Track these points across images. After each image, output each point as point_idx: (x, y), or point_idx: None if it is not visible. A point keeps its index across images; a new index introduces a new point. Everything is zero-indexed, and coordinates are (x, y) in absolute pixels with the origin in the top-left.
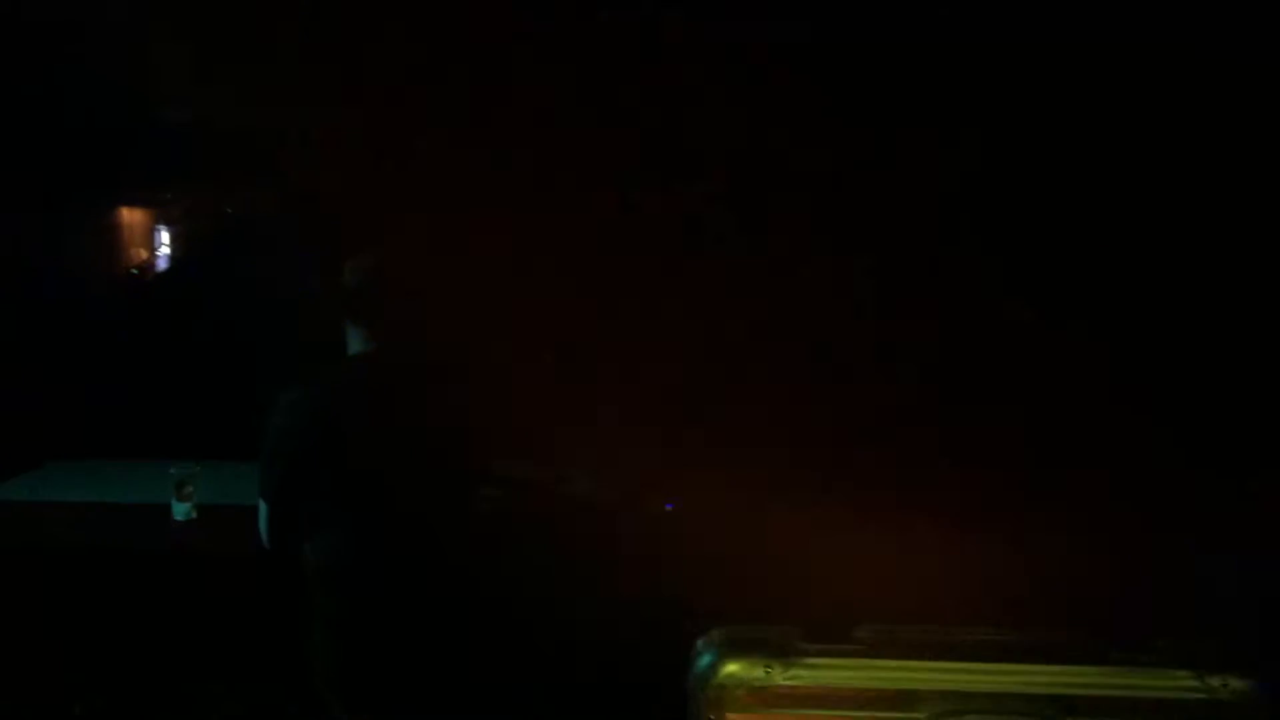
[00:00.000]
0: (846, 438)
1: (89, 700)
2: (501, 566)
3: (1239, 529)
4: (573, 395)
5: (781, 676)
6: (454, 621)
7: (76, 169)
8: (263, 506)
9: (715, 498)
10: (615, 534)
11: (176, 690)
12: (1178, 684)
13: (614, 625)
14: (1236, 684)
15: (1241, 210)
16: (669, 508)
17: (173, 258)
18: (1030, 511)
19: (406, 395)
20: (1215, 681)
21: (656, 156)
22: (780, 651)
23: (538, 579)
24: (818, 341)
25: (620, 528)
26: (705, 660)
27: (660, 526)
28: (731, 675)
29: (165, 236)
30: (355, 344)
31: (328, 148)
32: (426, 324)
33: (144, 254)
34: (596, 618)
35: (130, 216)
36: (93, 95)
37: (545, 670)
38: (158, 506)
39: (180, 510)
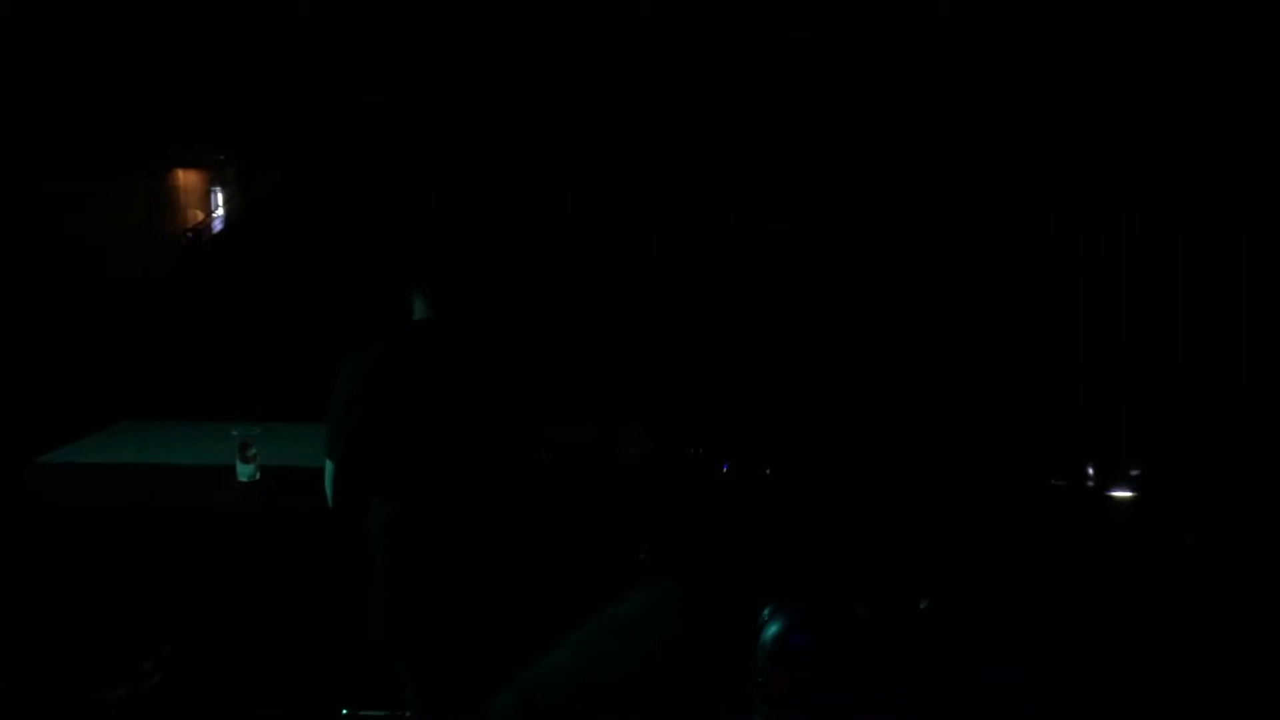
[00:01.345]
0: None
1: (159, 656)
2: (554, 530)
3: None
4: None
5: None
6: (506, 582)
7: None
8: (329, 466)
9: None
10: (666, 497)
11: (241, 646)
12: None
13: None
14: None
15: None
16: (724, 469)
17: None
18: None
19: (466, 361)
20: None
21: None
22: (843, 621)
23: (587, 542)
24: None
25: (670, 491)
26: (773, 629)
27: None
28: (796, 644)
29: (220, 198)
30: (420, 310)
31: None
32: (488, 292)
33: (200, 215)
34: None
35: (185, 178)
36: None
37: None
38: (224, 467)
39: (245, 472)
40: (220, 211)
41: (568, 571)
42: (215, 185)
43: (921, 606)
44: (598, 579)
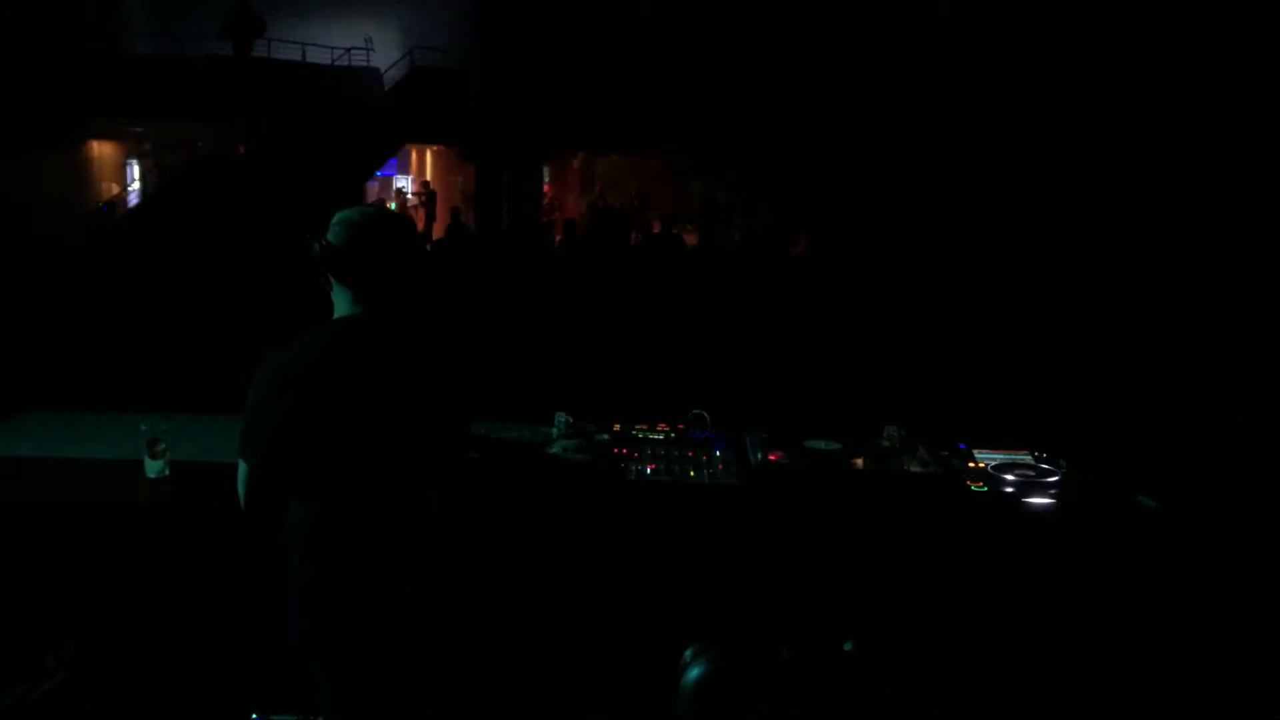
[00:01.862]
0: None
1: (61, 654)
2: (481, 532)
3: None
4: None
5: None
6: (427, 585)
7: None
8: (242, 467)
9: None
10: (603, 501)
11: (149, 646)
12: None
13: (595, 599)
14: None
15: None
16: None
17: (148, 195)
18: None
19: (390, 360)
20: None
21: None
22: (766, 664)
23: (517, 546)
24: None
25: (606, 493)
26: (694, 672)
27: (645, 492)
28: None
29: (136, 171)
30: (342, 305)
31: None
32: (415, 286)
33: (115, 189)
34: (577, 591)
35: (100, 150)
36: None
37: (519, 642)
38: (132, 463)
39: (153, 468)
40: (136, 185)
41: (494, 574)
42: (131, 158)
43: (846, 649)
44: (525, 582)
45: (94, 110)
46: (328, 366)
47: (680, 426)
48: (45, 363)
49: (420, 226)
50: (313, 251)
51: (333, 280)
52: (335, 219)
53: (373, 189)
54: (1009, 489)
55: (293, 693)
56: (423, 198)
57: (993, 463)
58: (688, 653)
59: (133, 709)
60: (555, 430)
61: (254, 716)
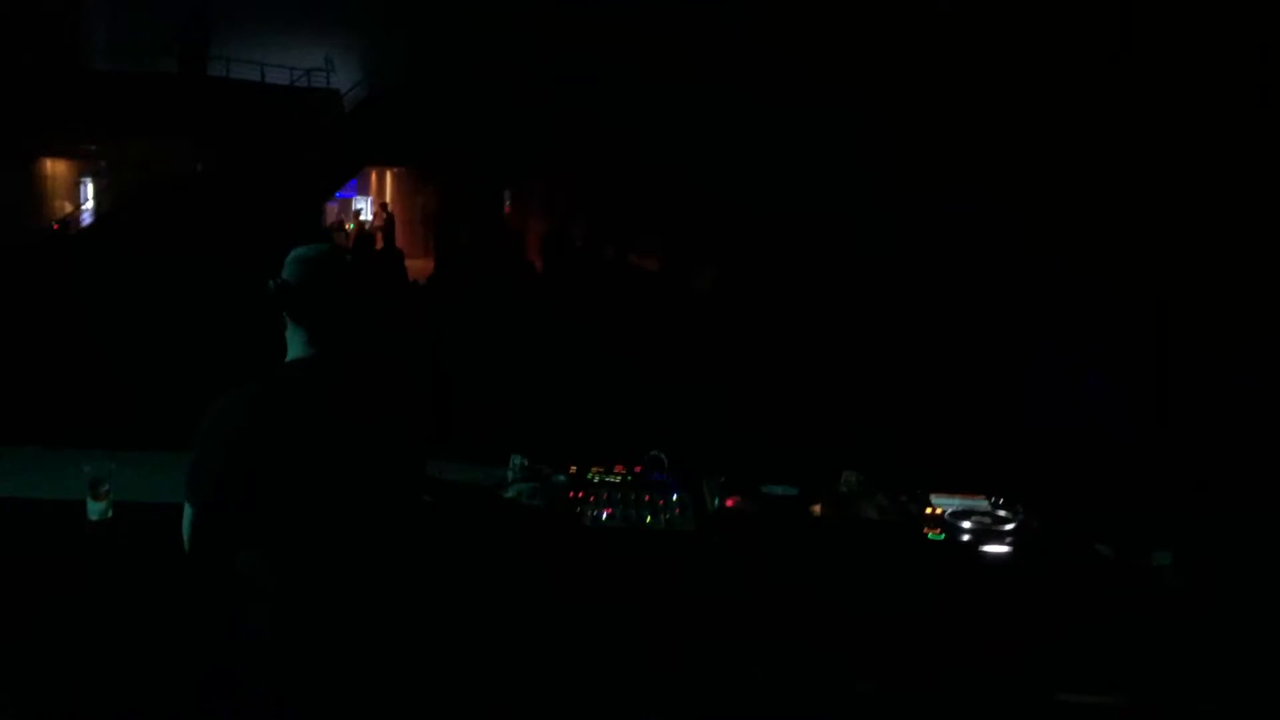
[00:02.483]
0: None
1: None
2: (437, 578)
3: None
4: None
5: None
6: (387, 635)
7: None
8: (188, 510)
9: None
10: (562, 544)
11: (95, 695)
12: None
13: (559, 642)
14: None
15: None
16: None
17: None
18: None
19: (347, 405)
20: None
21: None
22: None
23: (475, 590)
24: None
25: (566, 537)
26: None
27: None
28: None
29: (90, 190)
30: (296, 346)
31: None
32: (372, 328)
33: (68, 207)
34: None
35: (53, 168)
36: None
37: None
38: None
39: (95, 510)
40: (90, 204)
41: (451, 623)
42: (85, 177)
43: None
44: (484, 630)
45: (48, 126)
46: (277, 412)
47: (638, 469)
48: None
49: (379, 245)
50: (267, 290)
51: (287, 320)
52: (291, 256)
53: (332, 209)
54: (966, 536)
55: None
56: (381, 220)
57: (950, 509)
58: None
59: None
60: (510, 473)
61: None
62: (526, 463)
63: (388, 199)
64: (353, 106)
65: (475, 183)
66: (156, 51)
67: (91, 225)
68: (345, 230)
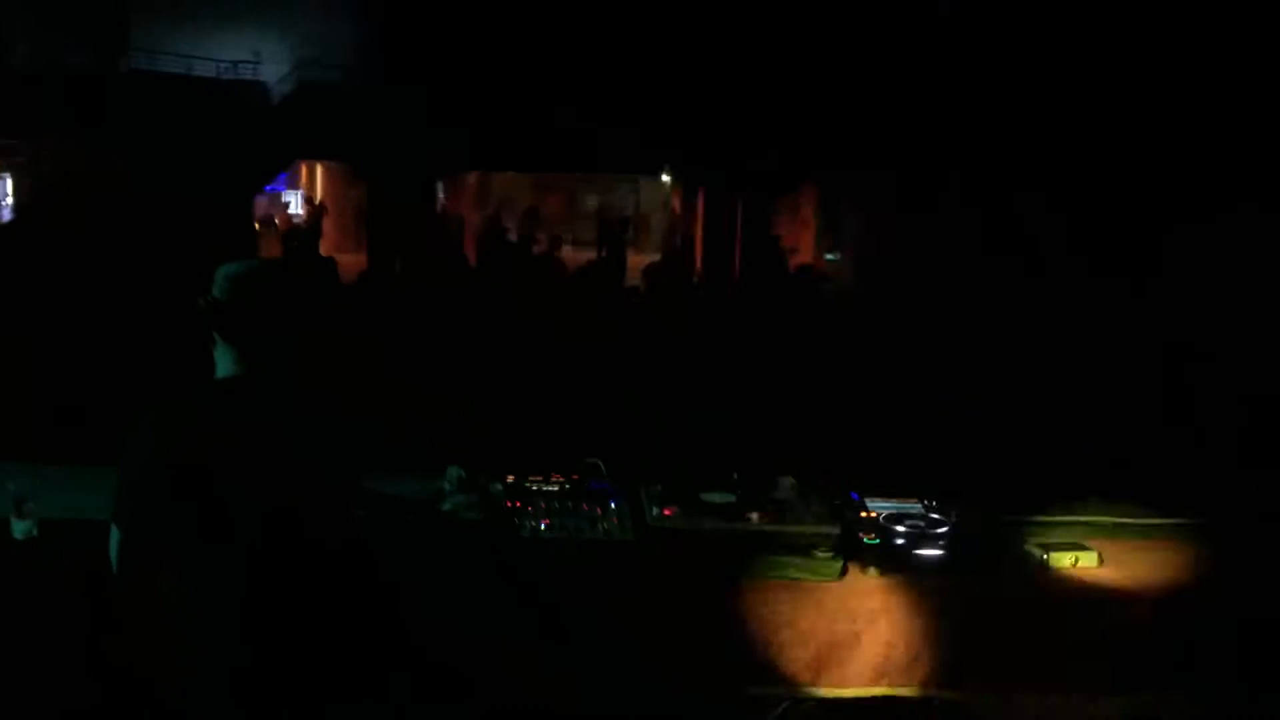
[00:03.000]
0: None
1: None
2: (376, 592)
3: None
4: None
5: None
6: (328, 656)
7: None
8: (115, 532)
9: None
10: (493, 563)
11: None
12: None
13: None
14: None
15: None
16: None
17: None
18: None
19: (278, 424)
20: None
21: None
22: None
23: (415, 604)
24: None
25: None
26: None
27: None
28: None
29: (9, 185)
30: (225, 364)
31: None
32: (303, 345)
33: None
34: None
35: None
36: None
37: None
38: None
39: (20, 529)
40: (9, 200)
41: (392, 644)
42: (3, 172)
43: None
44: (427, 648)
45: None
46: (206, 431)
47: (575, 477)
48: None
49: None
50: (197, 308)
51: (216, 338)
52: (221, 273)
53: (262, 203)
54: (900, 540)
55: None
56: (310, 217)
57: (884, 513)
58: None
59: None
60: (447, 484)
61: None
62: (463, 474)
63: (318, 193)
64: (281, 100)
65: (407, 176)
66: (75, 46)
67: (9, 223)
68: (275, 225)
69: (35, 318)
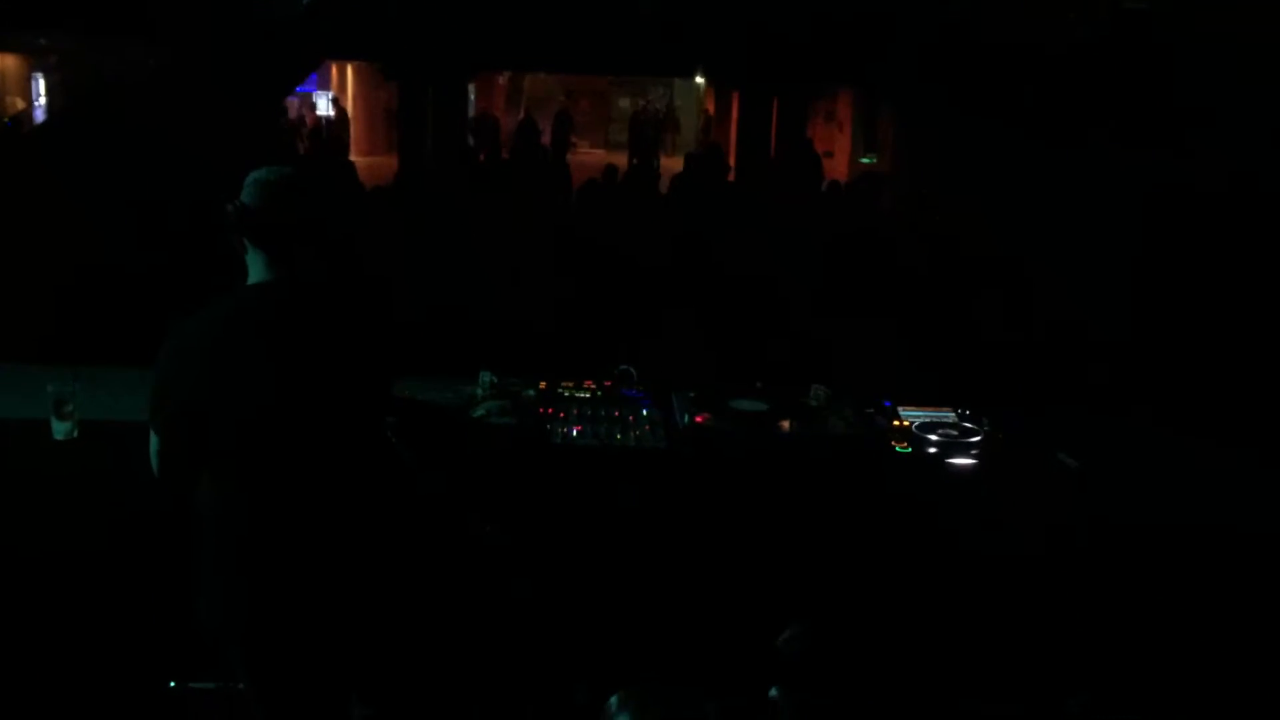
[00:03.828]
0: None
1: None
2: (406, 504)
3: None
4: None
5: None
6: (355, 567)
7: None
8: (154, 438)
9: None
10: (526, 469)
11: (57, 614)
12: None
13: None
14: None
15: None
16: None
17: (55, 113)
18: None
19: (310, 329)
20: None
21: None
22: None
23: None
24: None
25: (530, 459)
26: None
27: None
28: None
29: (42, 86)
30: (257, 270)
31: None
32: (335, 249)
33: (20, 104)
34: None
35: (3, 63)
36: None
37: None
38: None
39: (60, 429)
40: (43, 100)
41: (416, 553)
42: (36, 72)
43: (771, 695)
44: (446, 560)
45: None
46: (237, 337)
47: (607, 384)
48: None
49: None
50: (225, 213)
51: (247, 244)
52: (250, 179)
53: (293, 104)
54: (932, 449)
55: (215, 659)
56: (335, 120)
57: (917, 422)
58: (612, 701)
59: (42, 685)
60: (479, 390)
61: (171, 684)
62: (495, 379)
63: (349, 94)
64: None
65: (438, 76)
66: None
67: (42, 124)
68: (304, 126)
69: (71, 220)
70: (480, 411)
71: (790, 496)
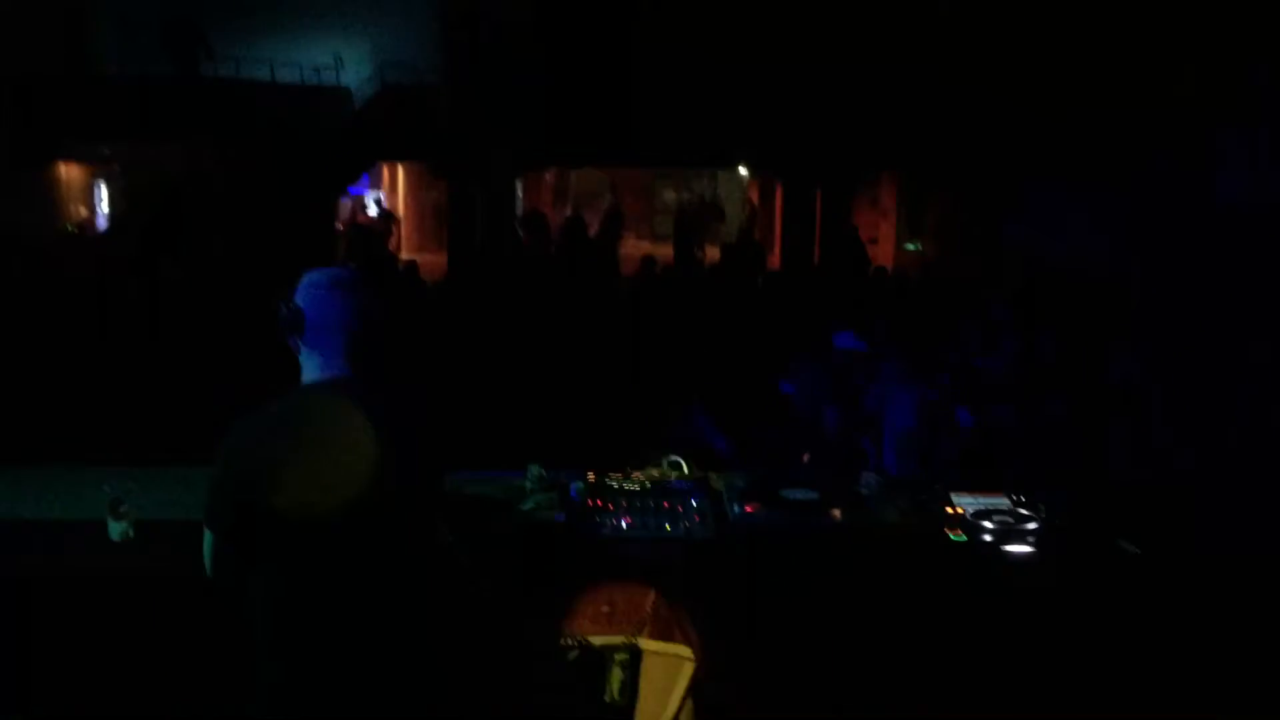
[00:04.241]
0: None
1: None
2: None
3: None
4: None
5: None
6: (409, 672)
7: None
8: (207, 535)
9: None
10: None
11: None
12: None
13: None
14: None
15: None
16: None
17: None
18: None
19: (361, 430)
20: None
21: None
22: None
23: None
24: None
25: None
26: None
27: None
28: None
29: (104, 193)
30: (310, 369)
31: None
32: (388, 352)
33: (83, 212)
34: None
35: (68, 172)
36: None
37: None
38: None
39: (116, 530)
40: (105, 207)
41: (469, 652)
42: (99, 180)
43: None
44: (499, 657)
45: (62, 131)
46: (294, 437)
47: (656, 474)
48: None
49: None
50: (279, 315)
51: (300, 344)
52: (304, 281)
53: (345, 206)
54: (988, 537)
55: None
56: (381, 222)
57: (971, 509)
58: None
59: None
60: (528, 483)
61: None
62: (544, 472)
63: (399, 194)
64: (362, 103)
65: (486, 175)
66: (163, 55)
67: (106, 230)
68: (356, 228)
69: (131, 321)
70: (529, 505)
71: (843, 586)
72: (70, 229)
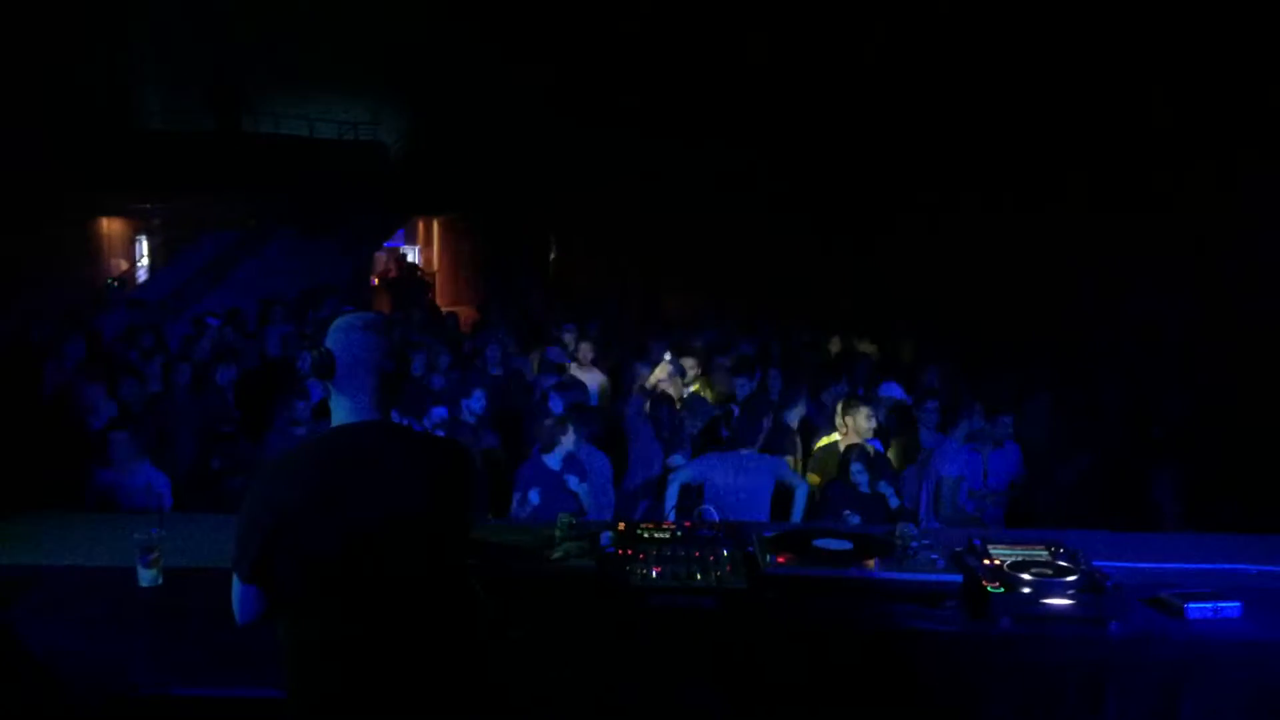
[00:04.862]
0: None
1: None
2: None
3: None
4: None
5: None
6: (430, 715)
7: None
8: (236, 582)
9: None
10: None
11: None
12: None
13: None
14: None
15: None
16: None
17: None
18: None
19: (393, 473)
20: None
21: None
22: None
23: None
24: None
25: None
26: None
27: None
28: None
29: (145, 247)
30: (340, 413)
31: None
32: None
33: (124, 265)
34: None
35: (109, 226)
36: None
37: None
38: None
39: (146, 577)
40: (145, 261)
41: (495, 698)
42: (140, 235)
43: None
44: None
45: (104, 186)
46: (320, 483)
47: (687, 524)
48: (27, 461)
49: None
50: (311, 359)
51: (331, 388)
52: (334, 325)
53: (381, 259)
54: (1026, 589)
55: None
56: (395, 273)
57: (1009, 560)
58: None
59: None
60: (558, 531)
61: None
62: (574, 520)
63: (435, 245)
64: (398, 158)
65: (520, 230)
66: (204, 112)
67: (145, 282)
68: (390, 279)
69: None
70: (559, 553)
71: (877, 638)
72: (111, 282)
